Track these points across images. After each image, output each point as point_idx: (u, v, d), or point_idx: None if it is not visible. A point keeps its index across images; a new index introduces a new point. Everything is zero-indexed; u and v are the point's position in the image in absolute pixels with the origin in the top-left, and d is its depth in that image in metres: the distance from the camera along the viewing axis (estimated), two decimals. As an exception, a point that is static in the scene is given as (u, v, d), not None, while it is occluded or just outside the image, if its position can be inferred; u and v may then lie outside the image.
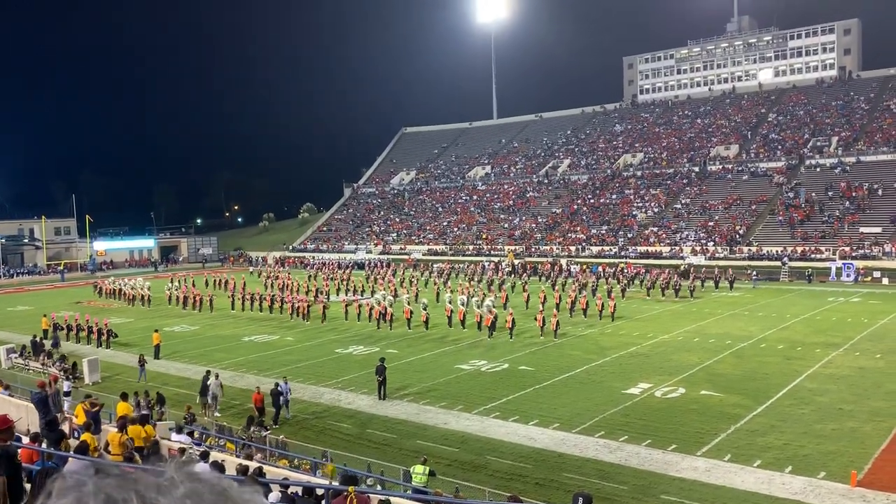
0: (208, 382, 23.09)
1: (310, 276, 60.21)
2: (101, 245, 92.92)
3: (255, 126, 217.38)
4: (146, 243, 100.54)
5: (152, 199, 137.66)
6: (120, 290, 56.09)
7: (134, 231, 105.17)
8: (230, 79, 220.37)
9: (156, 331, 33.29)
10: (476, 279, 56.39)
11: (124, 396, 18.94)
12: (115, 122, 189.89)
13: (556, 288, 47.32)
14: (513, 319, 34.62)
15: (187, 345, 35.28)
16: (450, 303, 38.77)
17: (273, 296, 46.55)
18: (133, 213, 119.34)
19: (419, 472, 15.39)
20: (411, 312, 38.03)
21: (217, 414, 22.43)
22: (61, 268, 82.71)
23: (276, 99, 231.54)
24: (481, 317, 36.36)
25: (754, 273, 54.36)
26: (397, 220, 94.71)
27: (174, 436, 16.77)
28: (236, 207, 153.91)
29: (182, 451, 13.80)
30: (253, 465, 13.39)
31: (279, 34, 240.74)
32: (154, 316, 45.32)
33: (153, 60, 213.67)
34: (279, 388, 21.92)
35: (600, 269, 60.21)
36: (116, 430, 12.72)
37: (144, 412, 18.85)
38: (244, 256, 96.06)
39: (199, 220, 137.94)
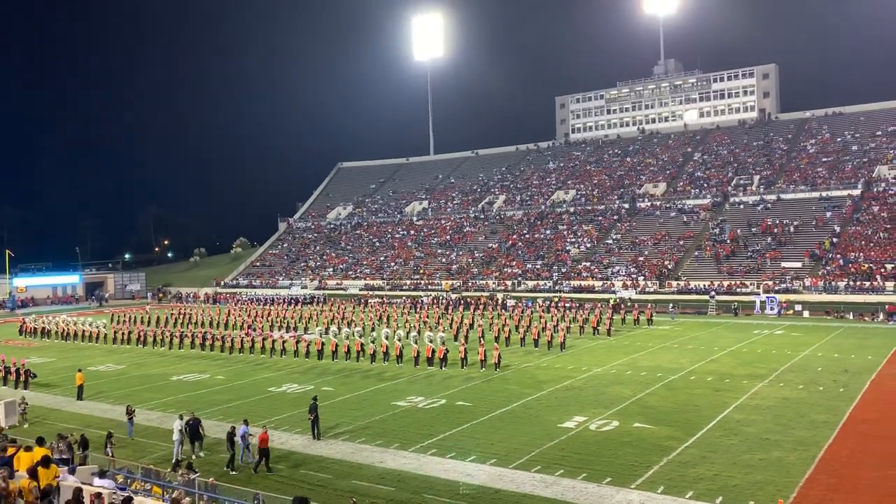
0: (175, 426, 22.18)
1: (236, 312, 58.94)
2: (21, 281, 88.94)
3: (186, 159, 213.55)
4: (70, 279, 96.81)
5: (77, 233, 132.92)
6: (44, 328, 54.07)
7: (58, 266, 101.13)
8: (160, 111, 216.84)
9: (79, 371, 31.90)
10: (414, 313, 56.08)
11: (41, 441, 18.00)
12: (36, 153, 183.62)
13: (493, 322, 47.58)
14: (465, 350, 35.94)
15: (112, 385, 33.94)
16: (386, 338, 38.52)
17: (205, 333, 45.43)
18: (57, 248, 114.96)
19: (353, 513, 15.07)
20: (362, 345, 38.56)
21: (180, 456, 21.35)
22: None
23: (210, 133, 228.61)
24: (419, 352, 36.40)
25: (671, 305, 55.93)
26: (334, 254, 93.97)
27: (97, 480, 15.98)
28: (166, 242, 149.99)
29: (98, 495, 13.13)
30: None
31: (213, 68, 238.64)
32: (77, 355, 43.50)
33: (78, 91, 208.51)
34: (234, 431, 21.13)
35: (536, 304, 60.89)
36: (28, 476, 12.17)
37: (65, 457, 18.02)
38: (162, 291, 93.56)
39: (127, 256, 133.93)
